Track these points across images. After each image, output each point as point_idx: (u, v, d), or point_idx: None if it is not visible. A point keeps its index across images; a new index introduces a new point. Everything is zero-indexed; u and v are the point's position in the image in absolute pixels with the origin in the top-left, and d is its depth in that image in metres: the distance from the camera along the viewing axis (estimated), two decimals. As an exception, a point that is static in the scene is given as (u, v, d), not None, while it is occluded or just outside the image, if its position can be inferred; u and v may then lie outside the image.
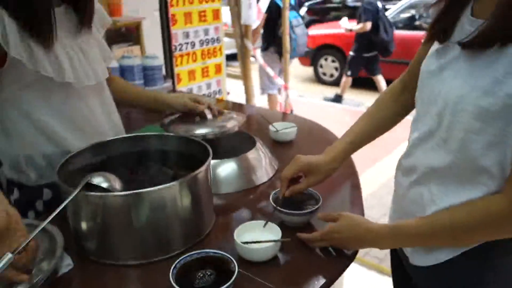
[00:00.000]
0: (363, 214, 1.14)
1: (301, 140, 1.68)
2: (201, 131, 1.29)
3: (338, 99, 5.85)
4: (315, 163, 1.07)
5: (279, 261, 0.95)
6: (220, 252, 0.88)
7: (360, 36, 5.28)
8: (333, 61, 6.78)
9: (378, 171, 3.74)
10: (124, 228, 0.94)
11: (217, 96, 3.43)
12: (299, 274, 0.93)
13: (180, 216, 0.99)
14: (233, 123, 1.36)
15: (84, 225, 0.95)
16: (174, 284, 0.79)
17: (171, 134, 1.23)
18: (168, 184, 0.94)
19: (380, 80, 5.44)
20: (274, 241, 0.93)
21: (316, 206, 1.06)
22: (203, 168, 1.01)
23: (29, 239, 0.78)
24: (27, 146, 1.11)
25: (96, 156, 1.13)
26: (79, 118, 1.14)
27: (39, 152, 1.11)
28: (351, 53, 5.49)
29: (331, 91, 6.26)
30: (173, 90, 2.71)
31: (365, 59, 5.38)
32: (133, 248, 0.96)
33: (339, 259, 0.96)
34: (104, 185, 0.93)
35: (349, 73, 5.54)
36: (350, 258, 0.97)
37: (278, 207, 1.05)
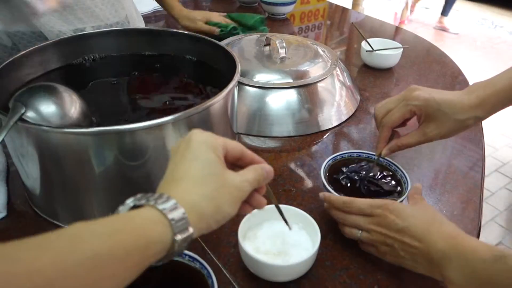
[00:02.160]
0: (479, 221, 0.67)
1: (406, 70, 1.16)
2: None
3: None
4: (446, 102, 0.61)
5: (304, 286, 0.55)
6: (197, 259, 0.50)
7: None
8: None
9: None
10: (79, 181, 0.59)
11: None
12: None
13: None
14: (317, 70, 0.90)
15: (23, 165, 0.61)
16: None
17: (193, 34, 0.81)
18: (151, 122, 0.55)
19: None
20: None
21: (401, 199, 0.62)
22: (214, 100, 0.60)
23: None
24: None
25: (69, 57, 0.76)
26: None
27: (2, 28, 0.80)
28: None
29: (468, 7, 5.13)
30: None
31: None
32: (93, 210, 0.62)
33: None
34: (49, 111, 0.55)
35: None
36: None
37: (333, 189, 0.62)
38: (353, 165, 0.69)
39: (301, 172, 0.76)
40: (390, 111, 0.65)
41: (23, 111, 0.52)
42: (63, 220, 0.63)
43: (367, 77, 1.10)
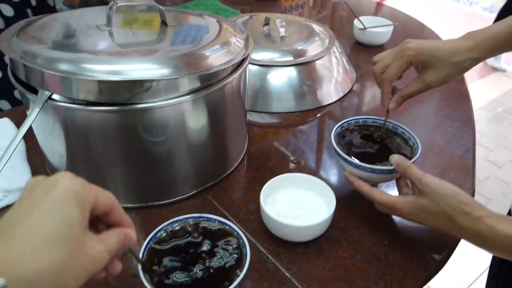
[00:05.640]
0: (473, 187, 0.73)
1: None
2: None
3: None
4: (438, 48, 0.63)
5: (322, 245, 0.61)
6: (226, 223, 0.55)
7: None
8: None
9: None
10: (106, 157, 0.62)
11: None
12: (353, 273, 0.58)
13: (190, 146, 0.65)
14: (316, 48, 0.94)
15: (50, 143, 0.64)
16: (142, 276, 0.47)
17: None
18: (171, 101, 0.58)
19: None
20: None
21: (412, 160, 0.63)
22: (229, 79, 0.64)
23: None
24: None
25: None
26: None
27: None
28: None
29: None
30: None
31: None
32: (118, 185, 0.66)
33: (426, 252, 0.59)
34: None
35: None
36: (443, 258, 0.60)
37: (344, 154, 0.65)
38: (362, 130, 0.72)
39: (307, 144, 0.81)
40: (387, 66, 0.67)
41: (50, 93, 0.54)
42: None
43: (361, 54, 1.15)
